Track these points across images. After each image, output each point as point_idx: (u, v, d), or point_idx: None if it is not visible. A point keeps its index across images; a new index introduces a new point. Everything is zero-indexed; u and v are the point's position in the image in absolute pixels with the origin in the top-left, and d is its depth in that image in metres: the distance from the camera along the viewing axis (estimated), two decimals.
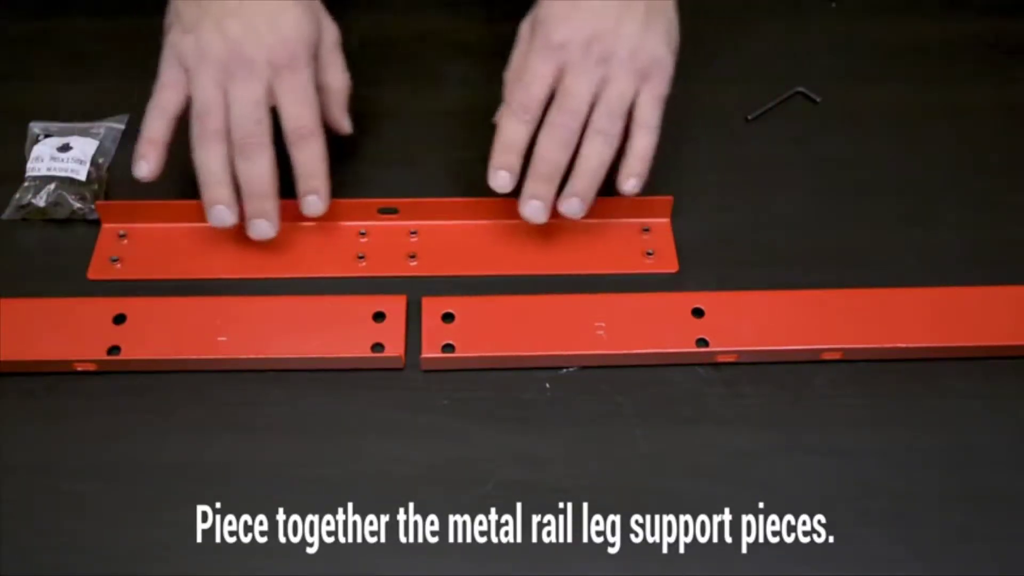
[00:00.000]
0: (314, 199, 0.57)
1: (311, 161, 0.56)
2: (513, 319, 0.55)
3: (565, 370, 0.55)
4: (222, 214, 0.55)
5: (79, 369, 0.53)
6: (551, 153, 0.55)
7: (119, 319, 0.54)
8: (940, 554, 0.49)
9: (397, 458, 0.51)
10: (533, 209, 0.56)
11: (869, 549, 0.49)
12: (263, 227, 0.56)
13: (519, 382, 0.54)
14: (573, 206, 0.56)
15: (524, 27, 0.58)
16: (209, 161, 0.54)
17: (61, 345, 0.53)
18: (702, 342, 0.54)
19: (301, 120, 0.55)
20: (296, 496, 0.49)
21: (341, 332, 0.54)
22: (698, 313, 0.55)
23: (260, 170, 0.54)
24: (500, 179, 0.56)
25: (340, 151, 0.65)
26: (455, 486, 0.50)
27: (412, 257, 0.59)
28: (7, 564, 0.47)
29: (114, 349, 0.53)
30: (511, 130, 0.56)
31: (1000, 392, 0.55)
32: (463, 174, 0.61)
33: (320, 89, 0.57)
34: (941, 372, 0.55)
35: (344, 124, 0.61)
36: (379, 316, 0.55)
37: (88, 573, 0.47)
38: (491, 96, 0.69)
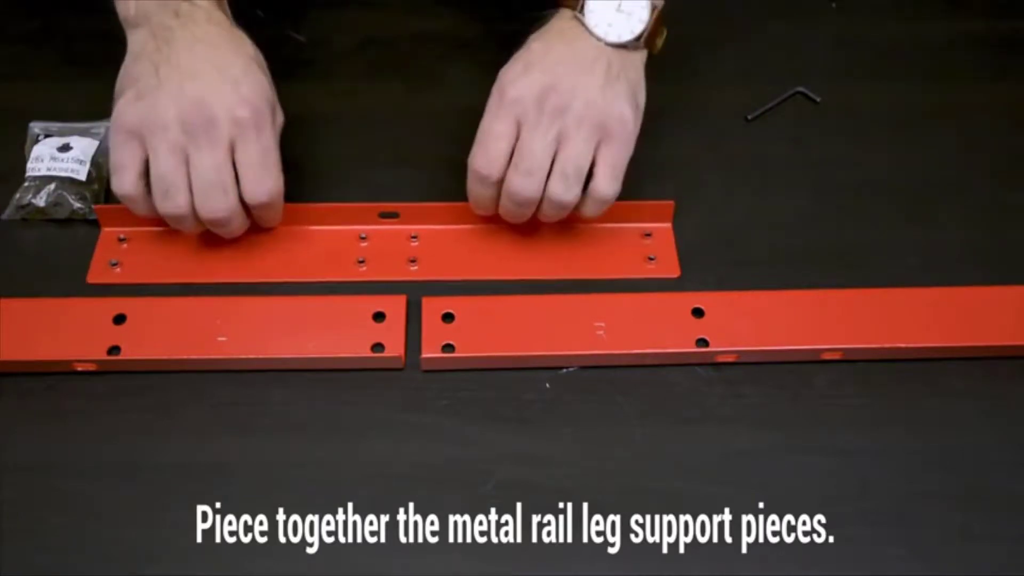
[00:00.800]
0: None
1: (273, 220, 0.57)
2: (513, 319, 0.55)
3: (565, 370, 0.55)
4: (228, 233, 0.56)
5: (79, 369, 0.53)
6: (512, 212, 0.56)
7: (119, 319, 0.54)
8: (940, 554, 0.49)
9: (397, 458, 0.51)
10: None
11: (869, 549, 0.49)
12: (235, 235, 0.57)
13: (519, 382, 0.54)
14: (551, 219, 0.57)
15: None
16: (184, 228, 0.55)
17: (61, 345, 0.53)
18: (702, 342, 0.54)
19: (263, 189, 0.53)
20: (296, 496, 0.49)
21: (341, 332, 0.54)
22: (698, 313, 0.55)
23: (234, 230, 0.55)
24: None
25: (340, 151, 0.65)
26: (455, 486, 0.50)
27: (412, 262, 0.59)
28: (7, 564, 0.47)
29: (114, 349, 0.53)
30: (476, 193, 0.56)
31: (1000, 392, 0.55)
32: (463, 174, 0.61)
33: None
34: (941, 372, 0.55)
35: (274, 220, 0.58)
36: (379, 316, 0.55)
37: (88, 573, 0.47)
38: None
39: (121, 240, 0.59)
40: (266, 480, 0.50)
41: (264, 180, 0.53)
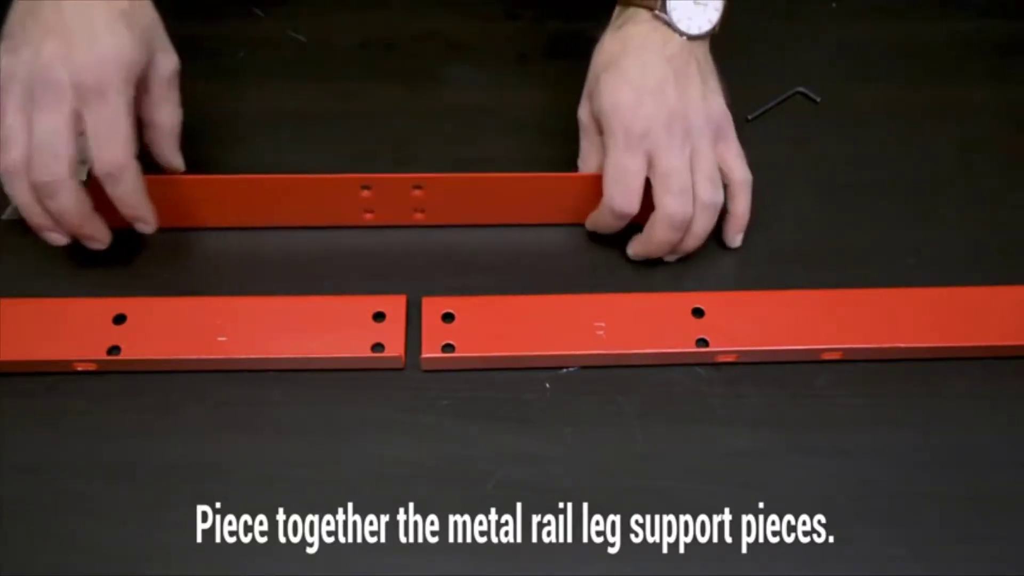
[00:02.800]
0: (141, 225, 0.55)
1: (125, 196, 0.53)
2: (513, 319, 0.55)
3: (565, 370, 0.55)
4: (54, 239, 0.54)
5: (79, 369, 0.53)
6: (668, 237, 0.56)
7: (119, 319, 0.54)
8: (940, 554, 0.49)
9: (397, 458, 0.51)
10: (638, 258, 0.59)
11: (869, 549, 0.49)
12: (95, 245, 0.55)
13: (519, 382, 0.54)
14: (675, 258, 0.59)
15: (583, 115, 0.59)
16: (17, 195, 0.52)
17: (61, 345, 0.53)
18: (702, 342, 0.54)
19: (106, 158, 0.51)
20: (296, 496, 0.49)
21: (341, 332, 0.54)
22: (698, 313, 0.55)
23: (63, 206, 0.52)
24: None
25: (339, 151, 0.65)
26: (455, 486, 0.50)
27: (420, 211, 0.60)
28: (7, 564, 0.47)
29: (114, 349, 0.53)
30: (608, 227, 0.58)
31: (1000, 392, 0.55)
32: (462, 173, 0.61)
33: (148, 125, 0.55)
34: (941, 372, 0.55)
35: (175, 162, 0.57)
36: (379, 316, 0.55)
37: (88, 573, 0.47)
38: (491, 96, 0.69)
39: None
40: (266, 480, 0.50)
41: (105, 150, 0.51)
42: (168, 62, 0.55)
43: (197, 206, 0.59)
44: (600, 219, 0.58)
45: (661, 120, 0.54)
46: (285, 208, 0.59)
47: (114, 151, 0.51)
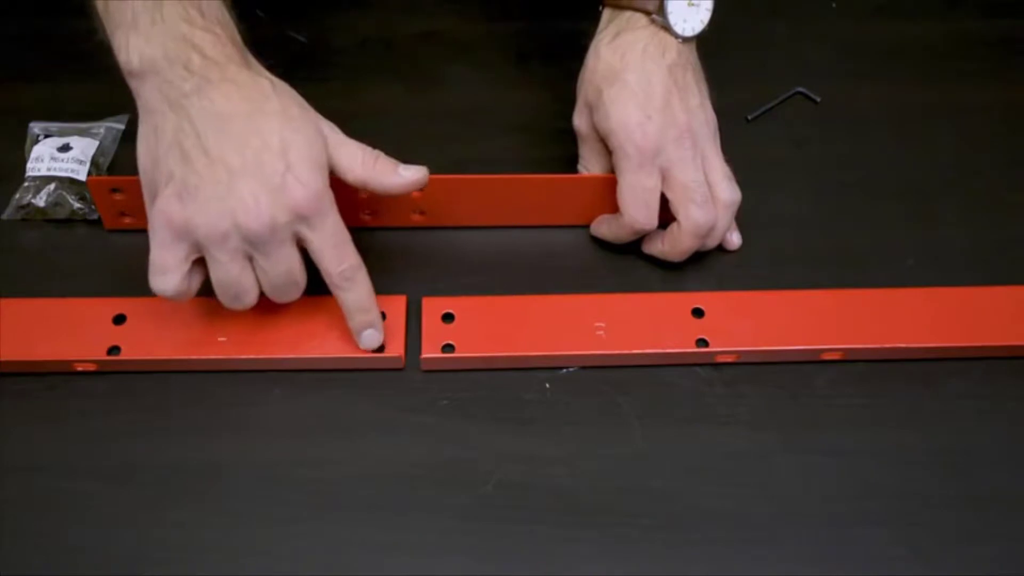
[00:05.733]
0: (370, 332, 0.53)
1: (359, 300, 0.51)
2: (513, 319, 0.55)
3: (565, 370, 0.55)
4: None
5: (79, 369, 0.53)
6: (695, 245, 0.57)
7: (119, 319, 0.54)
8: (940, 554, 0.49)
9: (397, 458, 0.51)
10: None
11: (869, 549, 0.49)
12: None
13: (519, 382, 0.54)
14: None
15: (581, 125, 0.59)
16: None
17: (61, 345, 0.53)
18: (702, 342, 0.54)
19: (341, 264, 0.50)
20: (296, 496, 0.49)
21: (341, 332, 0.54)
22: (698, 313, 0.55)
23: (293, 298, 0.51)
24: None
25: None
26: (455, 486, 0.50)
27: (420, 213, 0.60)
28: (7, 564, 0.47)
29: (114, 349, 0.53)
30: (624, 239, 0.58)
31: (1000, 392, 0.55)
32: (463, 174, 0.61)
33: (355, 184, 0.52)
34: (941, 372, 0.55)
35: (409, 175, 0.52)
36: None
37: (88, 573, 0.47)
38: (491, 96, 0.69)
39: (114, 191, 0.58)
40: (266, 480, 0.50)
41: (339, 260, 0.50)
42: (332, 132, 0.51)
43: None
44: (617, 233, 0.58)
45: (671, 136, 0.55)
46: None
47: (349, 256, 0.50)
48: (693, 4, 0.56)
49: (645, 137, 0.55)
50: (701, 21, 0.57)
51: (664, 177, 0.56)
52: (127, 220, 0.59)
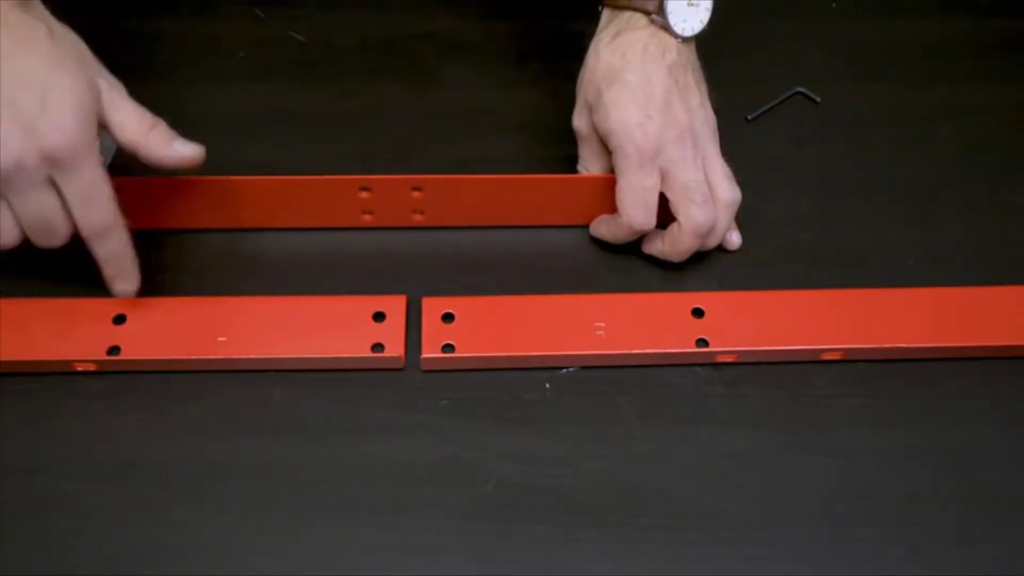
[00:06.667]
0: (121, 283, 0.53)
1: (108, 253, 0.51)
2: (513, 319, 0.55)
3: (565, 370, 0.55)
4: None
5: (79, 369, 0.53)
6: (694, 244, 0.57)
7: (119, 319, 0.54)
8: (940, 554, 0.49)
9: (397, 458, 0.51)
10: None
11: (869, 549, 0.49)
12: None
13: (519, 382, 0.54)
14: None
15: (581, 125, 0.59)
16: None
17: (61, 345, 0.53)
18: (702, 342, 0.54)
19: (89, 221, 0.49)
20: (296, 496, 0.49)
21: (341, 332, 0.54)
22: (698, 313, 0.55)
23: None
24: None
25: (339, 151, 0.65)
26: (455, 486, 0.50)
27: (419, 212, 0.60)
28: (7, 564, 0.47)
29: (114, 349, 0.53)
30: (622, 240, 0.58)
31: (1000, 392, 0.55)
32: (463, 174, 0.61)
33: (126, 147, 0.51)
34: (941, 372, 0.55)
35: (183, 150, 0.52)
36: (379, 316, 0.55)
37: (88, 573, 0.47)
38: (491, 96, 0.69)
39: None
40: (266, 480, 0.50)
41: (90, 216, 0.49)
42: (107, 87, 0.50)
43: (195, 208, 0.59)
44: (616, 233, 0.58)
45: (672, 137, 0.55)
46: (283, 209, 0.59)
47: (100, 214, 0.49)
48: (693, 4, 0.56)
49: (645, 137, 0.55)
50: (701, 21, 0.57)
51: (664, 177, 0.56)
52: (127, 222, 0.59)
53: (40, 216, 0.49)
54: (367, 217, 0.60)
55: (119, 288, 0.53)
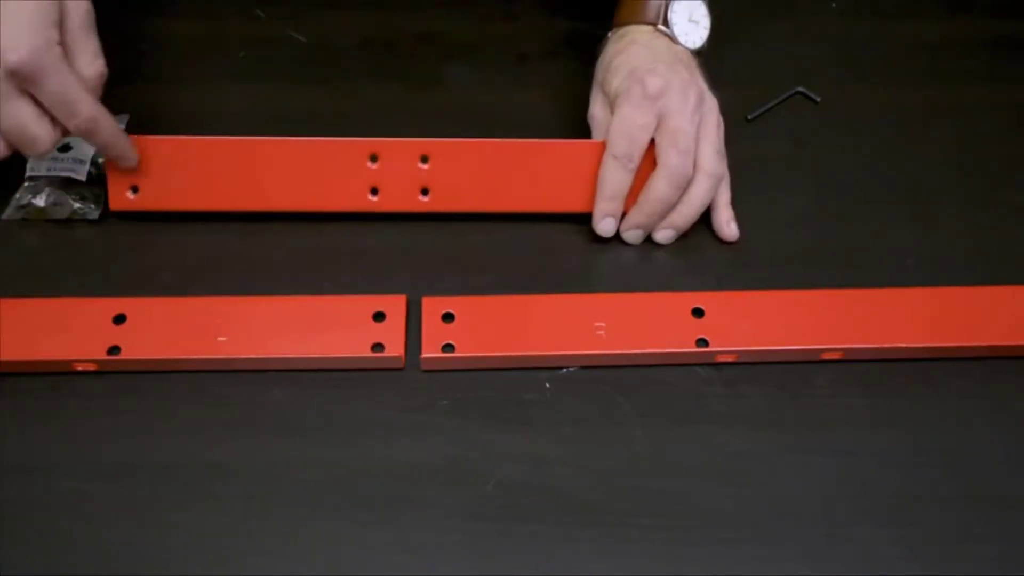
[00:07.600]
0: (124, 162, 0.56)
1: (104, 141, 0.54)
2: (513, 319, 0.55)
3: (565, 370, 0.55)
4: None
5: (79, 369, 0.53)
6: (667, 194, 0.57)
7: (119, 319, 0.54)
8: (940, 554, 0.49)
9: (397, 458, 0.51)
10: (634, 236, 0.60)
11: (869, 549, 0.49)
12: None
13: (519, 382, 0.54)
14: (668, 236, 0.60)
15: (596, 109, 0.61)
16: None
17: (61, 345, 0.53)
18: (702, 342, 0.54)
19: (73, 119, 0.51)
20: (296, 496, 0.49)
21: (341, 332, 0.54)
22: (698, 313, 0.55)
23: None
24: (606, 225, 0.59)
25: None
26: (455, 486, 0.50)
27: (424, 192, 0.60)
28: (7, 564, 0.47)
29: (114, 349, 0.53)
30: (617, 179, 0.58)
31: (1000, 392, 0.55)
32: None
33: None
34: (941, 372, 0.55)
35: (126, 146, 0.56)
36: (379, 316, 0.55)
37: (88, 573, 0.47)
38: (491, 96, 0.69)
39: (133, 190, 0.59)
40: (265, 480, 0.50)
41: (74, 115, 0.51)
42: (79, 8, 0.52)
43: (185, 178, 0.58)
44: (606, 171, 0.57)
45: (677, 85, 0.57)
46: (282, 181, 0.58)
47: (80, 113, 0.52)
48: (693, 21, 0.60)
49: (652, 76, 0.56)
50: (700, 37, 0.61)
51: (659, 123, 0.57)
52: (132, 199, 0.59)
53: (18, 126, 0.51)
54: (372, 199, 0.60)
55: (124, 165, 0.57)
